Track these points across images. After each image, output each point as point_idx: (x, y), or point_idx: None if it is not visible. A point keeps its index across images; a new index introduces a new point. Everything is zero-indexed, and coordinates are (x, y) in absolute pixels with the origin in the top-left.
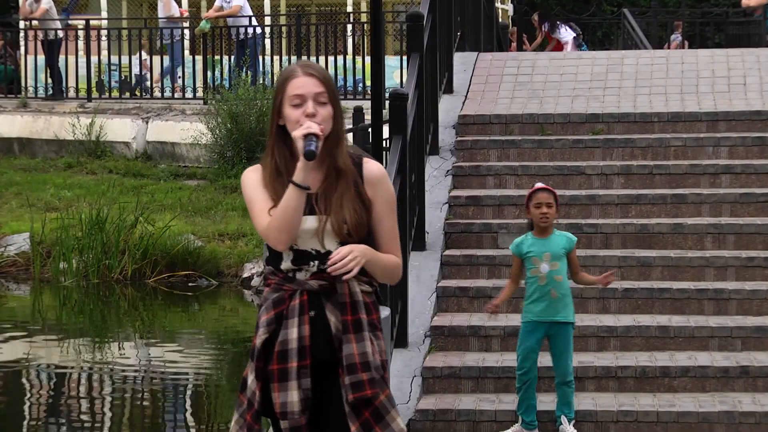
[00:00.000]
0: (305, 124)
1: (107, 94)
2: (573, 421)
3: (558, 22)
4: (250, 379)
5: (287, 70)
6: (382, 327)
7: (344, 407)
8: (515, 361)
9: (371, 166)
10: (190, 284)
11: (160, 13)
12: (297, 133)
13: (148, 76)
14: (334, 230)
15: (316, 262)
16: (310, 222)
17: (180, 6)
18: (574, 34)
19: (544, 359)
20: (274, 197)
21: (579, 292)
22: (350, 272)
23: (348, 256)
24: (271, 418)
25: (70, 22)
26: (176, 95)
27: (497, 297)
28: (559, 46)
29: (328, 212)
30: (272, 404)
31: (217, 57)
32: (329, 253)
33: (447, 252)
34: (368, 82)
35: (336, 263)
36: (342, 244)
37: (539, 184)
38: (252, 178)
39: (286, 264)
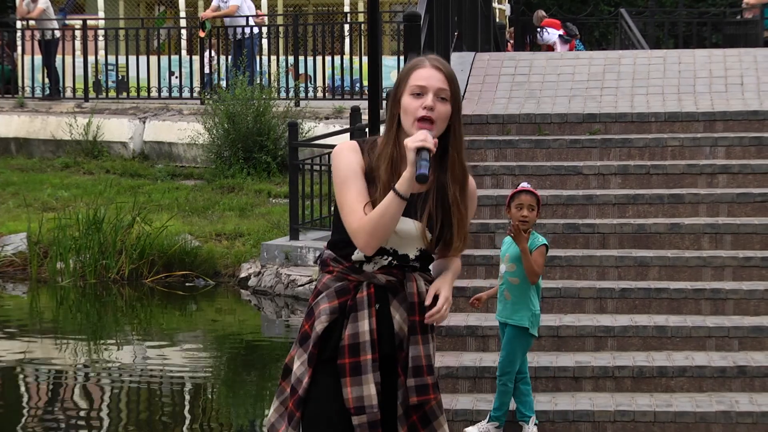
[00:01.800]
0: (420, 136)
1: (104, 94)
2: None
3: (538, 28)
4: (296, 365)
5: (414, 60)
6: None
7: (395, 408)
8: None
9: (471, 181)
10: (187, 284)
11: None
12: (409, 144)
13: (216, 76)
14: (424, 238)
15: (389, 258)
16: (407, 225)
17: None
18: (560, 32)
19: (542, 359)
20: (382, 184)
21: (576, 292)
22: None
23: (445, 305)
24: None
25: (67, 22)
26: (173, 95)
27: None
28: (549, 48)
29: (441, 222)
30: (320, 396)
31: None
32: (406, 256)
33: None
34: (365, 82)
35: (435, 313)
36: (423, 251)
37: (524, 185)
38: (350, 160)
39: (357, 255)
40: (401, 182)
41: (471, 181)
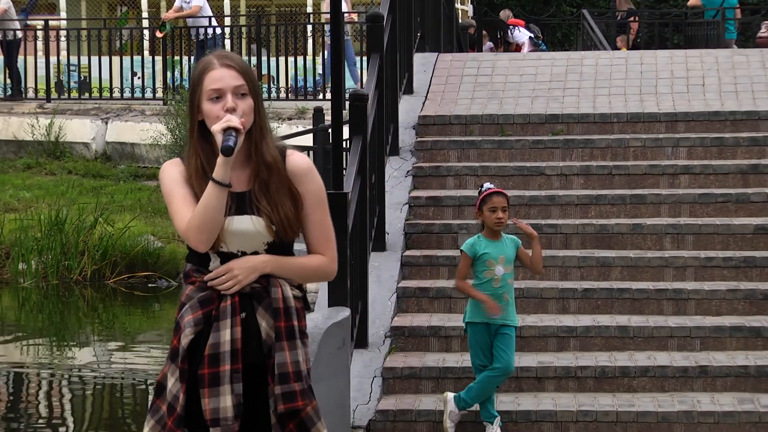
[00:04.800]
0: (224, 118)
1: (66, 94)
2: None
3: (510, 26)
4: (171, 382)
5: (203, 62)
6: (342, 328)
7: (270, 417)
8: None
9: (296, 159)
10: (149, 285)
11: (324, 9)
12: (216, 127)
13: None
14: (269, 230)
15: None
16: (243, 223)
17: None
18: (530, 34)
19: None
20: (200, 195)
21: (539, 292)
22: (229, 290)
23: (226, 275)
24: (190, 429)
25: (29, 22)
26: (136, 95)
27: (480, 296)
28: (517, 48)
29: (264, 211)
30: (195, 410)
31: (176, 57)
32: (256, 254)
33: (407, 252)
34: (328, 83)
35: (215, 279)
36: (272, 244)
37: (490, 186)
38: (173, 172)
39: (214, 264)
40: (216, 169)
41: (294, 159)
